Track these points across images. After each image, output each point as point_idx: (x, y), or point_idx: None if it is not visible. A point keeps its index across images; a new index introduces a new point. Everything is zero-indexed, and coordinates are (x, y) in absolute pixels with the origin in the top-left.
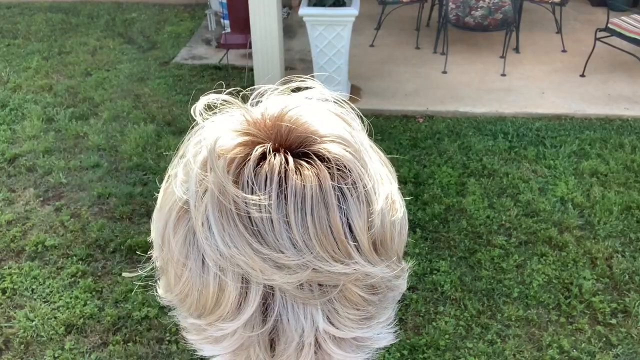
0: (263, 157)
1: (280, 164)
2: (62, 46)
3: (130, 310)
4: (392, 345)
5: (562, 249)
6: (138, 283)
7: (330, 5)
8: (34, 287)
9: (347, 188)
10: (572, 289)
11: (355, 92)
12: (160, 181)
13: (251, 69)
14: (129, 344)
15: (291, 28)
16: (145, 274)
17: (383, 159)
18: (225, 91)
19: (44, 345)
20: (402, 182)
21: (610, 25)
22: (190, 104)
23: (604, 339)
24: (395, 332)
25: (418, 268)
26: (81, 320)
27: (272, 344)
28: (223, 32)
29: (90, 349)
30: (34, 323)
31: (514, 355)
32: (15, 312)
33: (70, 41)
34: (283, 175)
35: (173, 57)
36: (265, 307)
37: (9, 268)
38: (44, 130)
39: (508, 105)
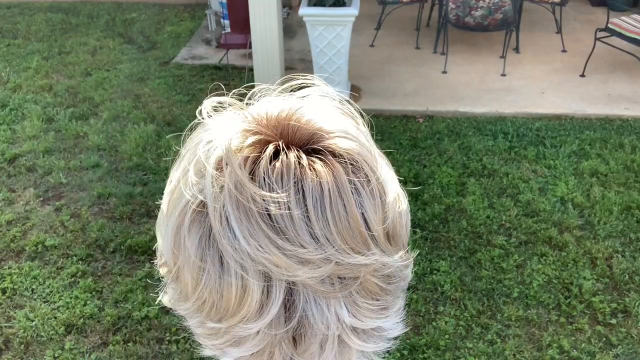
0: (275, 155)
1: (295, 160)
2: (62, 46)
3: (130, 310)
4: (393, 344)
5: (562, 249)
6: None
7: (330, 5)
8: (34, 287)
9: (360, 182)
10: (572, 289)
11: (355, 92)
12: (161, 181)
13: (251, 69)
14: (129, 344)
15: (291, 28)
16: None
17: (382, 156)
18: (229, 93)
19: (44, 345)
20: (402, 182)
21: (610, 25)
22: (190, 104)
23: (604, 339)
24: (404, 320)
25: (418, 268)
26: (81, 320)
27: (294, 340)
28: (223, 32)
29: (90, 349)
30: (34, 323)
31: (514, 355)
32: (15, 312)
33: (70, 41)
34: (299, 172)
35: (173, 57)
36: (288, 304)
37: (9, 268)
38: (44, 130)
39: (508, 105)
